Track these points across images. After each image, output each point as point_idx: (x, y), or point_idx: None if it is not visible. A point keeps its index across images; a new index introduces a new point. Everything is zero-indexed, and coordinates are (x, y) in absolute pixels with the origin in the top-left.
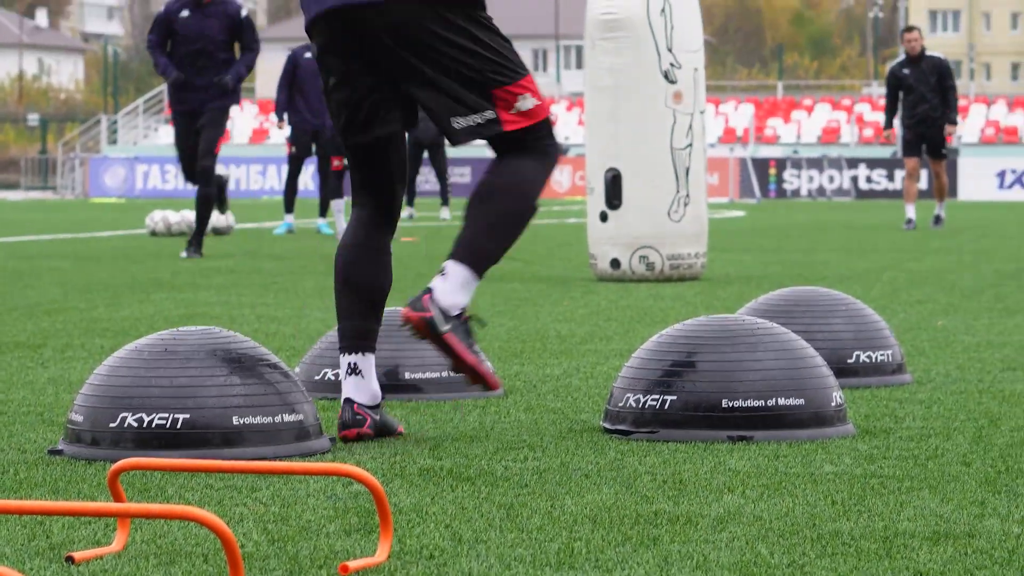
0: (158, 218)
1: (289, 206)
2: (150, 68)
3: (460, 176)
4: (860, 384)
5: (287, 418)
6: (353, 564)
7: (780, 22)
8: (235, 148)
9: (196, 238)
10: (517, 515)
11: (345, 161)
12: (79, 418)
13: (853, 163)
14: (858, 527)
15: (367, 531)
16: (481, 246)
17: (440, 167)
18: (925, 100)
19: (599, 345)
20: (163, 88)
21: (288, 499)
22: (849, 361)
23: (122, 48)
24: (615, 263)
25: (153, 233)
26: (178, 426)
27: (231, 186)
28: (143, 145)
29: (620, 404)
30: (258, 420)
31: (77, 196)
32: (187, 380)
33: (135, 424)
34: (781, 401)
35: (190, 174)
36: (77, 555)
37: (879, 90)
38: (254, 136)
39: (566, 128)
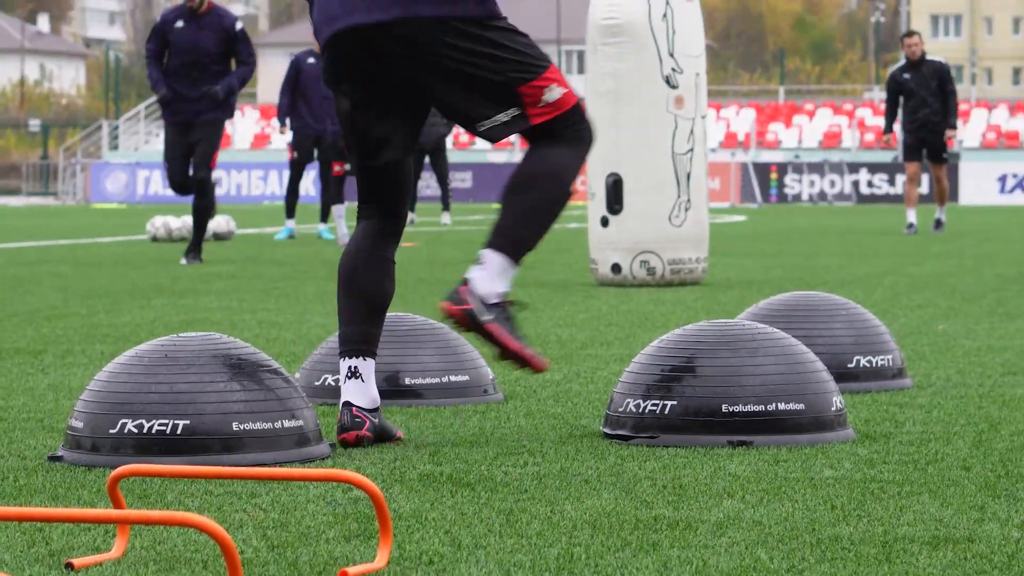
0: (159, 224)
1: (290, 211)
2: None
3: (461, 181)
4: (860, 388)
5: (287, 424)
6: (353, 570)
7: (782, 27)
8: (236, 153)
9: (195, 245)
10: (517, 521)
11: (347, 166)
12: (79, 424)
13: (854, 168)
14: (858, 532)
15: (367, 537)
16: (517, 233)
17: (441, 172)
18: (926, 104)
19: (599, 350)
20: None
21: (288, 505)
22: (849, 366)
23: (124, 53)
24: (616, 268)
25: (154, 239)
26: (178, 432)
27: (231, 191)
28: (144, 151)
29: (620, 409)
30: (258, 426)
31: (78, 202)
32: (187, 386)
33: (135, 430)
34: (781, 406)
35: (174, 183)
36: (77, 561)
37: (881, 95)
38: (255, 141)
39: None
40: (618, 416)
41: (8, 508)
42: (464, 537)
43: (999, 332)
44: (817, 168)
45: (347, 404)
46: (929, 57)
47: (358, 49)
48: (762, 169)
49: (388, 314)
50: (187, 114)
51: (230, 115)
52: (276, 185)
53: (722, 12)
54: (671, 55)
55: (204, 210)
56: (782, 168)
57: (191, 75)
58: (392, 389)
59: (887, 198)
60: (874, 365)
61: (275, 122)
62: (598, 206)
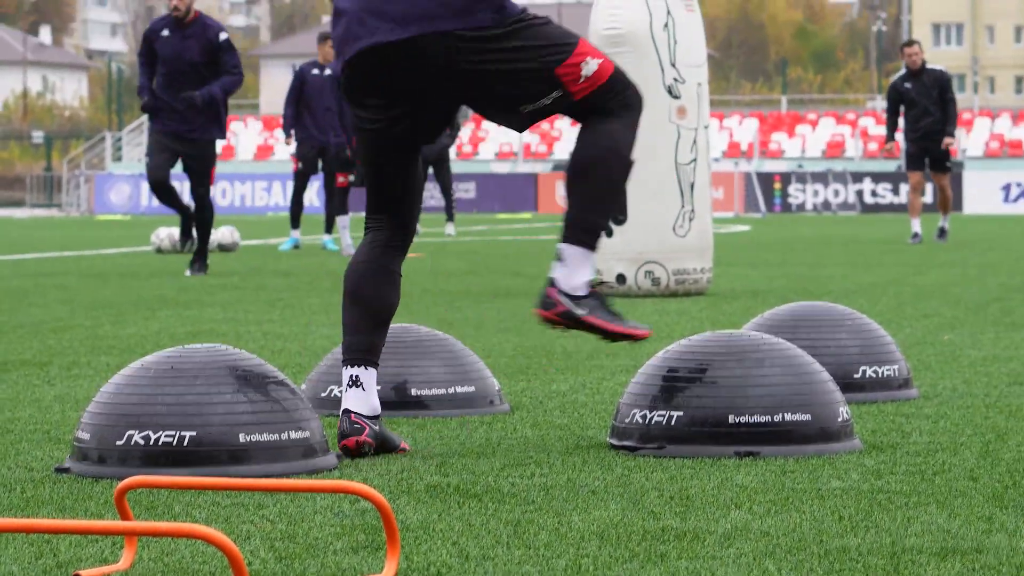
0: (163, 235)
1: (295, 221)
2: None
3: (465, 192)
4: (866, 399)
5: (294, 435)
6: None
7: (784, 36)
8: (240, 165)
9: (199, 257)
10: (524, 532)
11: (351, 177)
12: (86, 436)
13: (858, 177)
14: (865, 543)
15: (374, 548)
16: (587, 221)
17: (445, 183)
18: (929, 113)
19: (605, 361)
20: None
21: (295, 516)
22: (855, 376)
23: (126, 65)
24: (620, 278)
25: (158, 250)
26: (185, 443)
27: (234, 202)
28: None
29: (626, 420)
30: (265, 437)
31: (82, 213)
32: (194, 397)
33: (142, 442)
34: (788, 416)
35: (153, 179)
36: (84, 573)
37: (883, 103)
38: (258, 152)
39: (571, 144)
40: (625, 427)
41: (15, 520)
42: (471, 548)
43: (1005, 342)
44: (821, 177)
45: (346, 411)
46: (929, 66)
47: (378, 67)
48: (766, 179)
49: (394, 325)
50: (175, 125)
51: (222, 135)
52: (280, 196)
53: (723, 21)
54: (673, 65)
55: (206, 222)
56: (786, 178)
57: (175, 85)
58: (399, 400)
59: (891, 207)
60: (880, 375)
61: (279, 133)
62: None
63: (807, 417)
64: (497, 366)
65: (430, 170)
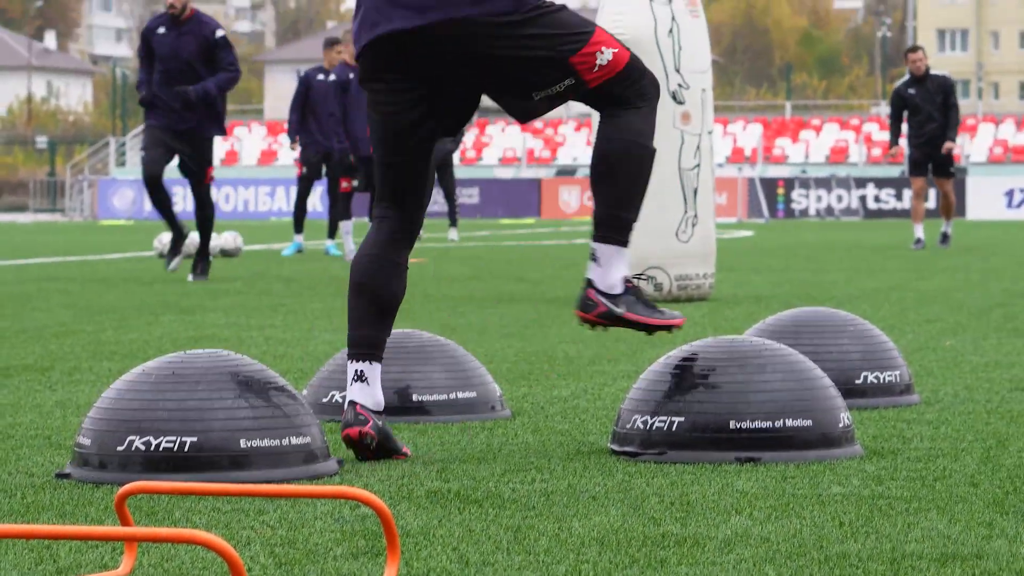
0: (166, 240)
1: (299, 226)
2: None
3: (468, 197)
4: (868, 405)
5: (294, 441)
6: None
7: (788, 42)
8: (243, 170)
9: (201, 259)
10: (524, 537)
11: (354, 183)
12: (87, 441)
13: (861, 183)
14: (866, 548)
15: (374, 554)
16: (617, 219)
17: (448, 188)
18: (933, 119)
19: (607, 366)
20: None
21: (295, 522)
22: (857, 382)
23: (130, 70)
24: None
25: (161, 255)
26: (186, 449)
27: (238, 207)
28: None
29: (628, 426)
30: (265, 443)
31: (86, 218)
32: (195, 403)
33: (143, 447)
34: (789, 422)
35: (148, 174)
36: None
37: (887, 109)
38: (262, 157)
39: (575, 149)
40: (626, 432)
41: (16, 525)
42: (472, 554)
43: (1007, 347)
44: (824, 183)
45: (352, 403)
46: (934, 71)
47: (394, 54)
48: (769, 184)
49: (396, 330)
50: (172, 121)
51: (220, 131)
52: (283, 201)
53: (728, 27)
54: (677, 71)
55: (207, 220)
56: (789, 183)
57: (172, 83)
58: (400, 405)
59: (894, 213)
60: (882, 381)
61: (282, 138)
62: None
63: (808, 423)
64: (499, 371)
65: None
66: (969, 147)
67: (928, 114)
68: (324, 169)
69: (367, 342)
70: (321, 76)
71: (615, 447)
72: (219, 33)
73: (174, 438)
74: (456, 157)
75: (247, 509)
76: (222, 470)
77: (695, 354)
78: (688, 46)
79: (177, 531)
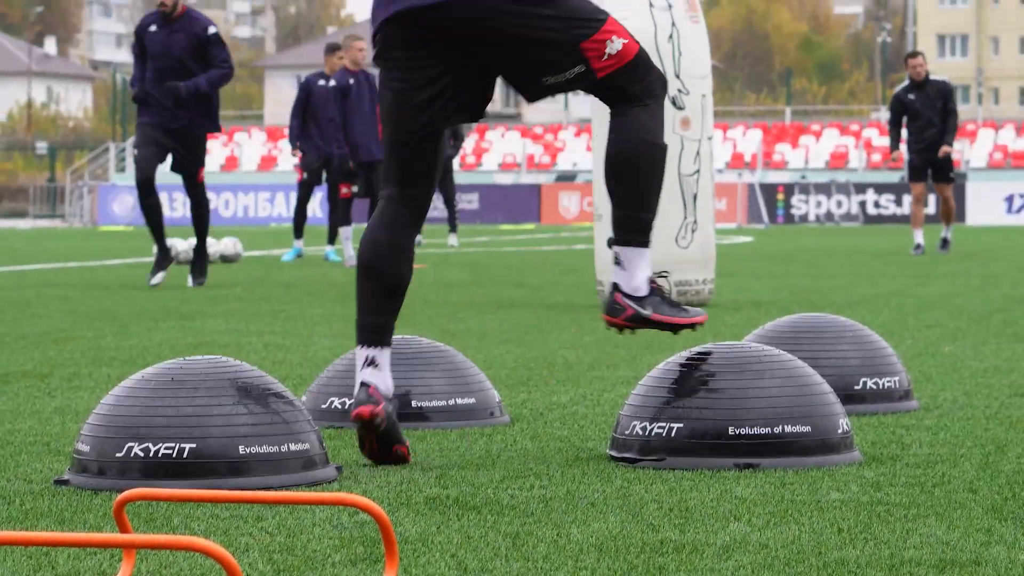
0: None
1: (298, 232)
2: None
3: (468, 203)
4: (867, 411)
5: (293, 447)
6: None
7: (788, 47)
8: (243, 175)
9: (199, 258)
10: (523, 544)
11: (354, 188)
12: (85, 448)
13: (861, 188)
14: (864, 555)
15: (373, 560)
16: (636, 221)
17: (448, 193)
18: (932, 125)
19: (606, 372)
20: None
21: (294, 528)
22: (856, 387)
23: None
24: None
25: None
26: (184, 456)
27: (237, 213)
28: None
29: (627, 432)
30: (264, 449)
31: (85, 224)
32: (194, 409)
33: (141, 454)
34: (788, 428)
35: (141, 174)
36: None
37: (887, 115)
38: (262, 163)
39: (574, 154)
40: (624, 439)
41: (14, 532)
42: (470, 561)
43: (1006, 353)
44: (824, 188)
45: (364, 384)
46: (933, 77)
47: (410, 30)
48: (769, 190)
49: (396, 336)
50: (164, 119)
51: (214, 128)
52: (283, 207)
53: (728, 32)
54: (677, 76)
55: (202, 218)
56: (789, 188)
57: (164, 79)
58: (400, 412)
59: (894, 218)
60: (881, 387)
61: (282, 144)
62: (605, 227)
63: (807, 429)
64: (498, 377)
65: None
66: (969, 152)
67: (928, 119)
68: (324, 175)
69: (377, 327)
70: (322, 82)
71: (614, 453)
72: (211, 30)
73: (173, 444)
74: (456, 163)
75: (246, 516)
76: (221, 476)
77: (694, 360)
78: (688, 51)
79: (176, 538)
